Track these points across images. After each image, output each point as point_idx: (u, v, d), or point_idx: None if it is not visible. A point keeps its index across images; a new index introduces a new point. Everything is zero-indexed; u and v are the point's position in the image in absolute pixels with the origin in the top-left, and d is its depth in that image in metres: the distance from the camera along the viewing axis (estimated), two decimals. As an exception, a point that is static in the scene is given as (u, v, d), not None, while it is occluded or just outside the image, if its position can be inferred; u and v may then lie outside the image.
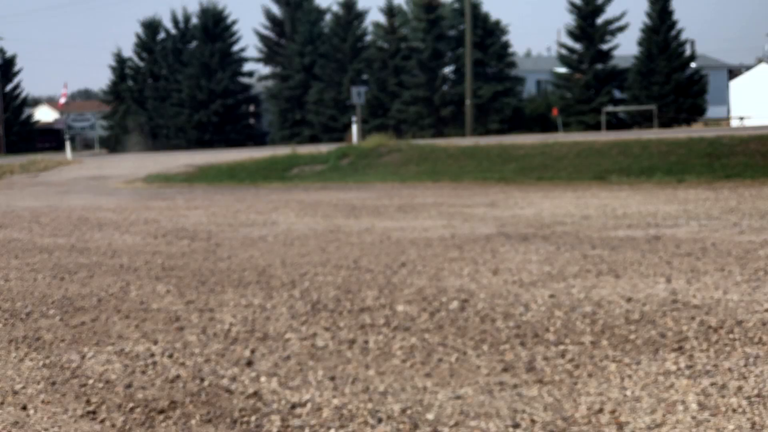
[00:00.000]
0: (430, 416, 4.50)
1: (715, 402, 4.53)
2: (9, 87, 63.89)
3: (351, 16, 53.27)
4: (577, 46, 50.65)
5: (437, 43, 50.92)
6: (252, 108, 59.38)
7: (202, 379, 5.27)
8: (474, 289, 7.60)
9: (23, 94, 65.57)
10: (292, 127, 53.34)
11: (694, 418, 4.34)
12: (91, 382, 5.34)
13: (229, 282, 8.40)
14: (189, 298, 7.68)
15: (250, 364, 5.55)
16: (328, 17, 54.49)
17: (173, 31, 57.76)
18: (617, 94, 50.38)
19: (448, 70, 52.05)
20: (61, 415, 4.79)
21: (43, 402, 5.02)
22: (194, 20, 57.03)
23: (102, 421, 4.66)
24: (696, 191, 16.50)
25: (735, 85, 52.05)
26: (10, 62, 64.34)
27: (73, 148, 50.17)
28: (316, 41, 53.36)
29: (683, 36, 49.55)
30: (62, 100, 47.33)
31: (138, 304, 7.50)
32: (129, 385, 5.22)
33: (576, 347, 5.65)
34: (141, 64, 58.35)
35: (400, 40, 52.23)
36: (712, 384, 4.81)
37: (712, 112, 53.23)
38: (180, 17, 57.64)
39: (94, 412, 4.79)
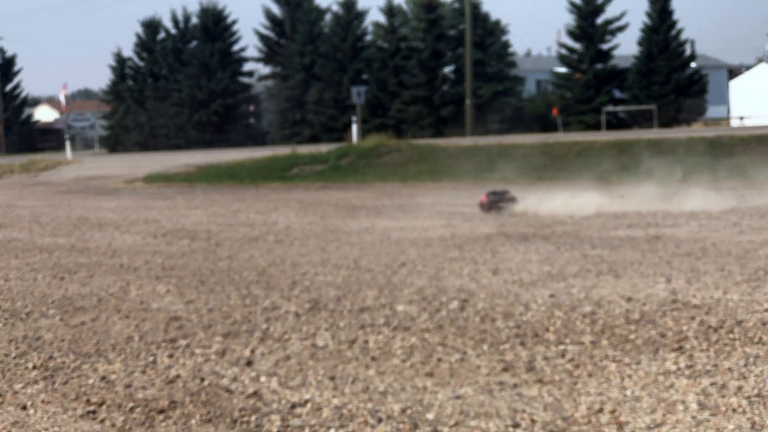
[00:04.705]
0: (430, 416, 4.50)
1: (715, 402, 4.53)
2: (9, 87, 63.92)
3: (351, 16, 53.28)
4: (577, 46, 50.67)
5: (437, 43, 50.93)
6: (252, 108, 59.38)
7: (202, 379, 5.27)
8: (474, 289, 7.60)
9: (23, 94, 65.64)
10: (292, 127, 53.34)
11: (694, 418, 4.34)
12: (91, 381, 5.34)
13: (229, 282, 8.40)
14: (189, 298, 7.68)
15: (250, 364, 5.55)
16: (328, 17, 54.50)
17: (173, 31, 57.77)
18: (617, 93, 50.39)
19: (448, 70, 52.06)
20: (61, 415, 4.79)
21: (43, 402, 5.02)
22: (194, 20, 57.08)
23: (102, 421, 4.66)
24: (696, 191, 16.50)
25: (735, 85, 52.03)
26: (10, 62, 64.39)
27: (73, 148, 50.21)
28: (316, 41, 53.36)
29: (683, 36, 49.65)
30: (63, 101, 47.28)
31: (138, 304, 7.50)
32: (129, 385, 5.21)
33: (576, 347, 5.65)
34: (141, 64, 58.35)
35: (400, 40, 52.23)
36: (712, 384, 4.81)
37: (712, 112, 53.23)
38: (180, 17, 57.71)
39: (94, 412, 4.79)
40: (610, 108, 47.95)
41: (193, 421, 4.60)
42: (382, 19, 53.52)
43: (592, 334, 5.96)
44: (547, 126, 47.11)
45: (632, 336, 5.85)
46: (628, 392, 4.74)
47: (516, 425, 4.33)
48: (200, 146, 52.34)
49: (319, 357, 5.65)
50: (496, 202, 14.03)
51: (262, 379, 5.23)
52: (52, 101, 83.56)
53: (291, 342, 6.03)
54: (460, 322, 6.41)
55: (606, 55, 50.26)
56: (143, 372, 5.48)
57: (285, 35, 56.21)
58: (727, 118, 50.75)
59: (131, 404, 4.87)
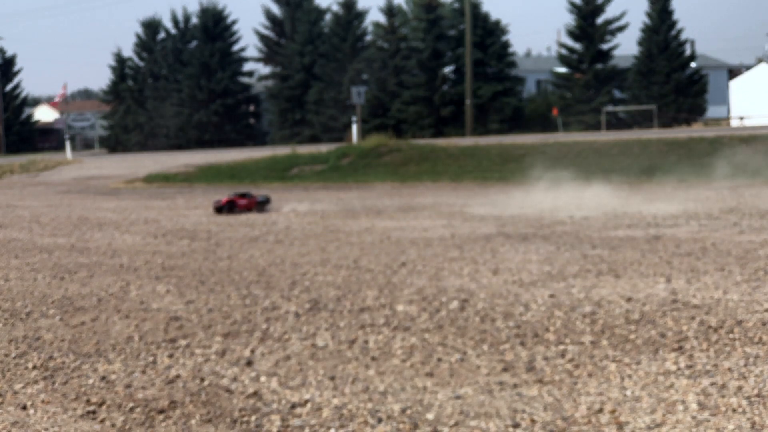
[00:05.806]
0: (430, 416, 4.50)
1: (715, 402, 4.53)
2: (9, 87, 63.91)
3: (351, 16, 53.26)
4: (577, 46, 50.68)
5: (437, 43, 50.92)
6: (252, 108, 59.37)
7: (202, 379, 5.27)
8: (474, 289, 7.60)
9: (23, 94, 65.62)
10: (292, 127, 53.34)
11: (694, 418, 4.33)
12: (91, 381, 5.34)
13: (229, 282, 8.39)
14: (189, 298, 7.68)
15: (250, 364, 5.55)
16: (328, 17, 54.49)
17: (173, 31, 57.79)
18: (617, 93, 50.41)
19: (448, 70, 52.04)
20: (61, 415, 4.79)
21: (43, 402, 5.02)
22: (194, 20, 57.09)
23: (102, 421, 4.66)
24: (696, 191, 16.51)
25: (735, 85, 52.02)
26: (10, 62, 64.37)
27: (73, 148, 50.21)
28: (316, 41, 53.36)
29: (683, 36, 49.66)
30: (56, 99, 47.29)
31: (138, 304, 7.50)
32: (129, 385, 5.21)
33: (576, 347, 5.65)
34: (141, 64, 58.36)
35: (400, 40, 52.21)
36: (712, 384, 4.81)
37: (712, 112, 53.23)
38: (180, 17, 57.72)
39: (94, 412, 4.79)
40: (610, 108, 47.96)
41: (193, 421, 4.60)
42: (382, 19, 53.54)
43: (592, 334, 5.96)
44: (547, 126, 47.10)
45: (632, 336, 5.85)
46: (628, 392, 4.74)
47: (516, 425, 4.33)
48: (200, 146, 52.34)
49: (319, 357, 5.65)
50: (263, 203, 16.03)
51: (262, 379, 5.23)
52: (52, 101, 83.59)
53: (291, 342, 6.03)
54: (460, 322, 6.41)
55: (606, 55, 50.27)
56: (143, 372, 5.47)
57: (285, 35, 56.22)
58: (727, 118, 50.74)
59: (131, 404, 4.87)
